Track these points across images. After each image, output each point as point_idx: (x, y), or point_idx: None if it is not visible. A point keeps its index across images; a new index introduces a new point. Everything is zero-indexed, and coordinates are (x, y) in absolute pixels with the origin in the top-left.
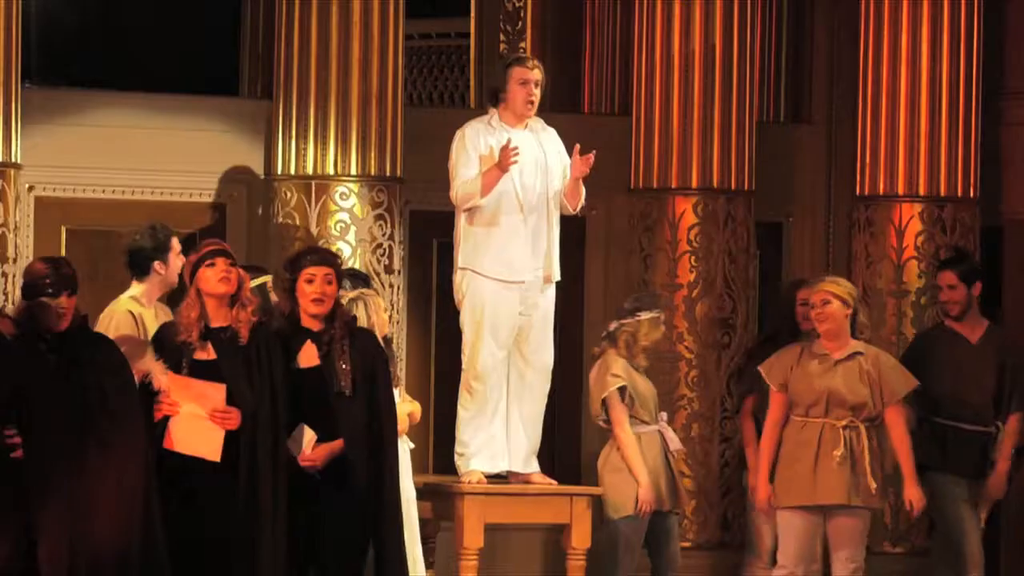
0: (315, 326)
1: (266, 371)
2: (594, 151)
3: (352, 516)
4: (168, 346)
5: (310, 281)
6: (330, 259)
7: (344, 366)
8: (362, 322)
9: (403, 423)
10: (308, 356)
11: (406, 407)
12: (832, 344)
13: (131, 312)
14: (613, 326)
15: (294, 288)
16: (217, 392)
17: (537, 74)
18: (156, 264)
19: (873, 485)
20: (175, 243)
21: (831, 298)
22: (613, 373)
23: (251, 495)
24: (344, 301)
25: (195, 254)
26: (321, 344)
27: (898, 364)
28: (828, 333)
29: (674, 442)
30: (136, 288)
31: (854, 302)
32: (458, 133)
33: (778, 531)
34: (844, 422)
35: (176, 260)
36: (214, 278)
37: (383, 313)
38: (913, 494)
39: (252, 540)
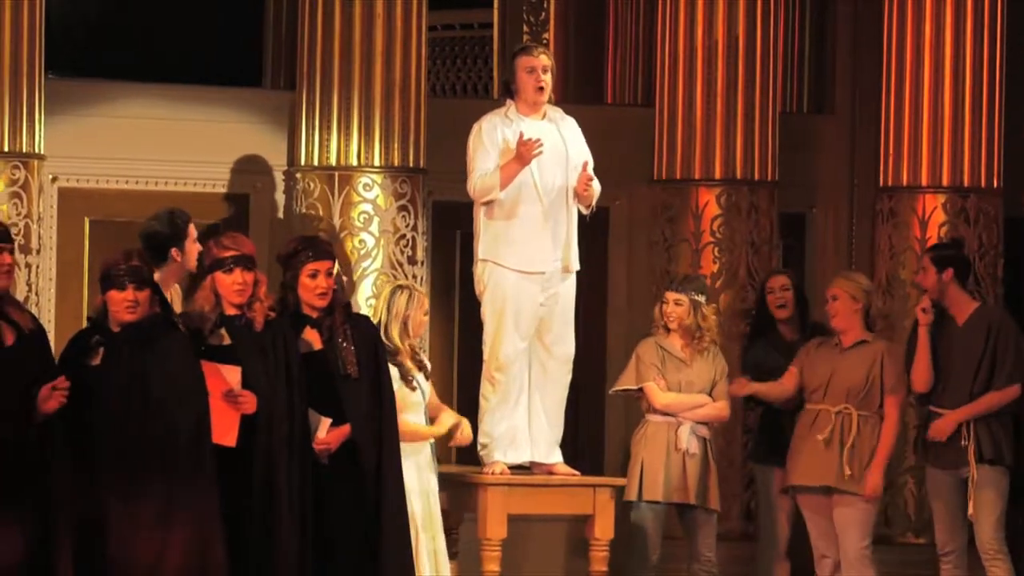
0: (314, 313)
1: (281, 357)
2: (593, 177)
3: (360, 499)
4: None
5: (313, 276)
6: (330, 252)
7: (350, 348)
8: (398, 312)
9: (442, 428)
10: (310, 341)
11: (450, 418)
12: (845, 335)
13: None
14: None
15: (294, 281)
16: (232, 374)
17: (544, 60)
18: (173, 251)
19: (847, 471)
20: (192, 230)
21: (839, 293)
22: (649, 362)
23: (267, 481)
24: (386, 291)
25: (217, 249)
26: (323, 330)
27: (902, 361)
28: (838, 327)
29: (681, 440)
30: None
31: (865, 296)
32: (475, 126)
33: (805, 518)
34: (837, 408)
35: (192, 247)
36: (230, 287)
37: (422, 313)
38: (871, 480)
39: (269, 526)
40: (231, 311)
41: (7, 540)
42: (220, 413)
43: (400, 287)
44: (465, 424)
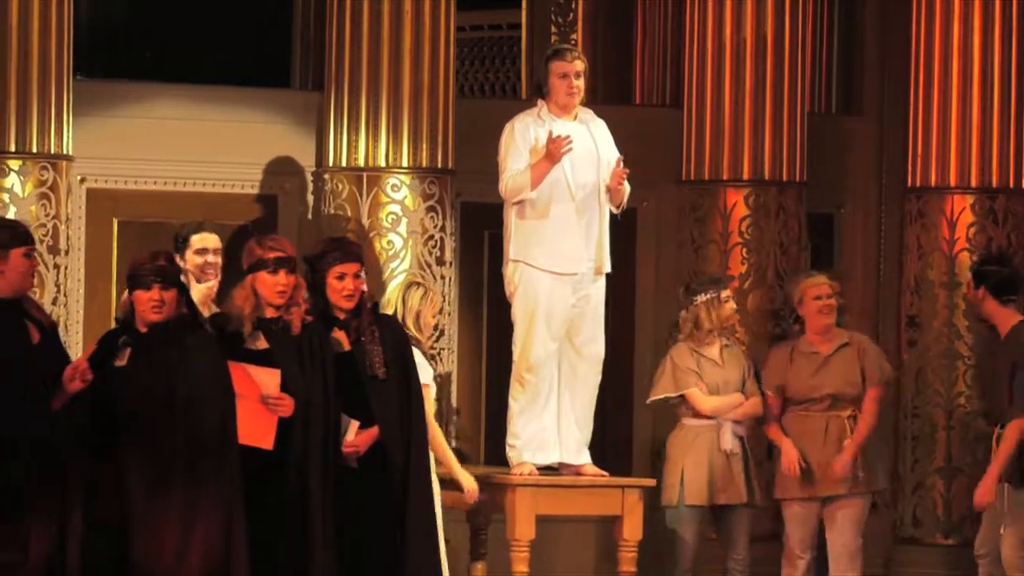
0: (341, 314)
1: (318, 361)
2: (627, 171)
3: (388, 500)
4: (221, 335)
5: (340, 277)
6: (358, 254)
7: (378, 350)
8: (412, 307)
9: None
10: (339, 340)
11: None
12: (820, 338)
13: None
14: (680, 316)
15: (322, 282)
16: (272, 377)
17: (578, 65)
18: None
19: (860, 474)
20: (193, 240)
21: (829, 293)
22: (687, 368)
23: (301, 484)
24: (402, 283)
25: (260, 250)
26: (350, 331)
27: (879, 352)
28: (830, 326)
29: (725, 441)
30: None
31: (838, 295)
32: (507, 126)
33: (785, 521)
34: (847, 412)
35: (191, 257)
36: (272, 288)
37: (431, 314)
38: (841, 463)
39: (302, 530)
40: (270, 313)
41: (38, 534)
42: (257, 416)
43: (416, 283)
44: (473, 488)
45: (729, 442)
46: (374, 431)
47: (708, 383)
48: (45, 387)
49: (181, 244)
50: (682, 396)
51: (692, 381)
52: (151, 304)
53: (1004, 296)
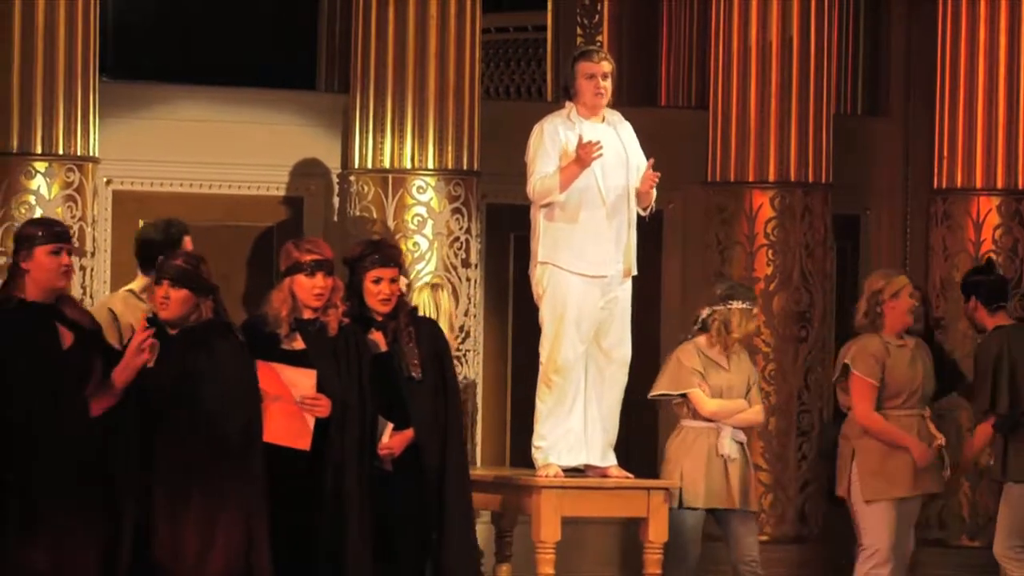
0: (379, 316)
1: (354, 362)
2: (659, 174)
3: (422, 502)
4: (258, 336)
5: (377, 281)
6: (396, 259)
7: (414, 351)
8: (447, 309)
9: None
10: (375, 341)
11: None
12: (897, 336)
13: (111, 309)
14: (705, 312)
15: (359, 284)
16: (307, 378)
17: (605, 66)
18: (160, 259)
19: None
20: (187, 242)
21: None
22: (691, 368)
23: (337, 484)
24: (425, 288)
25: (298, 252)
26: (387, 332)
27: None
28: (907, 328)
29: (723, 446)
30: (139, 282)
31: None
32: (536, 128)
33: (868, 522)
34: (929, 411)
35: None
36: (309, 291)
37: (446, 316)
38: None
39: (338, 530)
40: (307, 314)
41: (81, 534)
42: (293, 416)
43: (437, 286)
44: None
45: (727, 447)
46: (409, 433)
47: (711, 386)
48: (79, 389)
49: (167, 246)
50: (683, 396)
51: (695, 382)
52: (157, 300)
53: (993, 304)
